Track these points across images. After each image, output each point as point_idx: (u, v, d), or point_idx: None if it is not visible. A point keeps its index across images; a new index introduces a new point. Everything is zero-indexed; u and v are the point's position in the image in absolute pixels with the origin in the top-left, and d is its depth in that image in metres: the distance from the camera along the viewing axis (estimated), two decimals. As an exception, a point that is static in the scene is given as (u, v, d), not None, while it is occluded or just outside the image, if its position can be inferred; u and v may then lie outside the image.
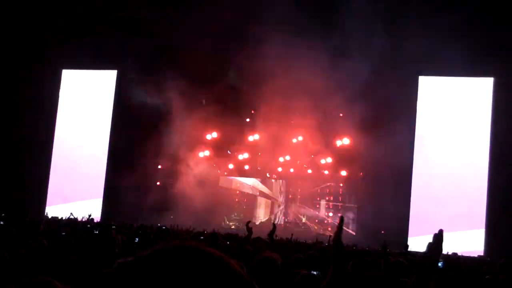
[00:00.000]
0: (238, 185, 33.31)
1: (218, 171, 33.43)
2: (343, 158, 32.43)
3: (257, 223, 29.54)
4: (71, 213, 21.80)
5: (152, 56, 29.82)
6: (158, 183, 32.03)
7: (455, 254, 18.03)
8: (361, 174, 30.44)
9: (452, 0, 25.04)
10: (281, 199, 32.37)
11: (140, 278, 1.07)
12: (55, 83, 30.49)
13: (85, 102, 30.49)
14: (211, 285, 1.06)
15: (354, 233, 28.90)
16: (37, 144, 29.64)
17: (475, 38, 23.11)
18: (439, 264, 10.74)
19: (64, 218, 21.01)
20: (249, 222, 9.06)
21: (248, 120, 33.45)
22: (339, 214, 30.81)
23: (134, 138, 29.09)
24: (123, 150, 29.62)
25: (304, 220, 31.43)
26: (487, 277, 6.53)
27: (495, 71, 24.83)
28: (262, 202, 32.58)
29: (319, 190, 31.84)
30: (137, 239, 9.99)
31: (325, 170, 31.85)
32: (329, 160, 31.82)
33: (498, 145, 24.41)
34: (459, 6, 24.41)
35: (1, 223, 14.58)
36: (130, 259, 1.12)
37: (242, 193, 33.18)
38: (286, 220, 31.66)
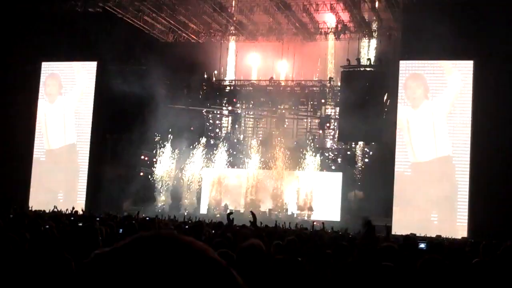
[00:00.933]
0: (223, 174, 33.27)
1: (203, 160, 33.45)
2: (326, 139, 32.74)
3: (242, 211, 29.56)
4: (54, 206, 21.73)
5: (132, 46, 29.70)
6: (141, 173, 31.99)
7: (438, 237, 18.16)
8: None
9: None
10: (266, 188, 32.39)
11: (116, 268, 1.07)
12: (35, 75, 30.21)
13: (66, 93, 30.25)
14: (188, 274, 1.06)
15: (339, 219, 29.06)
16: (18, 137, 29.39)
17: (454, 21, 23.20)
18: (422, 246, 10.81)
19: (47, 211, 20.91)
20: (231, 213, 9.18)
21: (230, 108, 33.54)
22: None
23: (116, 128, 28.99)
24: (105, 140, 29.51)
25: (288, 206, 31.50)
26: (474, 260, 6.56)
27: (475, 54, 24.91)
28: (247, 191, 32.55)
29: (301, 177, 31.93)
30: (121, 230, 9.95)
31: (308, 156, 32.05)
32: (312, 144, 32.12)
33: (479, 127, 24.56)
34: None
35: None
36: (106, 250, 1.12)
37: (227, 182, 33.13)
38: (271, 207, 31.65)
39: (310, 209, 30.76)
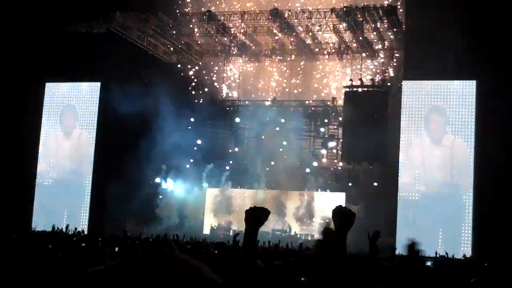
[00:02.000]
0: (227, 194, 33.19)
1: (206, 180, 33.41)
2: (329, 159, 32.71)
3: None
4: (56, 227, 21.72)
5: (135, 66, 29.75)
6: (145, 192, 31.91)
7: (442, 257, 18.06)
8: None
9: (434, 4, 25.22)
10: (269, 207, 32.24)
11: (109, 285, 1.08)
12: (38, 96, 30.23)
13: (69, 114, 30.23)
14: None
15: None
16: (22, 157, 29.37)
17: (457, 41, 23.23)
18: (429, 264, 10.77)
19: (51, 231, 20.88)
20: (237, 235, 9.18)
21: (233, 128, 33.56)
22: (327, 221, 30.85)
23: (119, 148, 28.94)
24: (109, 160, 29.46)
25: (291, 226, 31.38)
26: (473, 279, 6.56)
27: (477, 74, 24.87)
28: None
29: (304, 197, 31.85)
30: (117, 248, 9.95)
31: (311, 175, 31.99)
32: (315, 164, 32.08)
33: (482, 146, 24.49)
34: (441, 10, 24.60)
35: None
36: (100, 267, 1.14)
37: (231, 202, 33.02)
38: (273, 227, 31.52)
39: (313, 229, 30.63)
